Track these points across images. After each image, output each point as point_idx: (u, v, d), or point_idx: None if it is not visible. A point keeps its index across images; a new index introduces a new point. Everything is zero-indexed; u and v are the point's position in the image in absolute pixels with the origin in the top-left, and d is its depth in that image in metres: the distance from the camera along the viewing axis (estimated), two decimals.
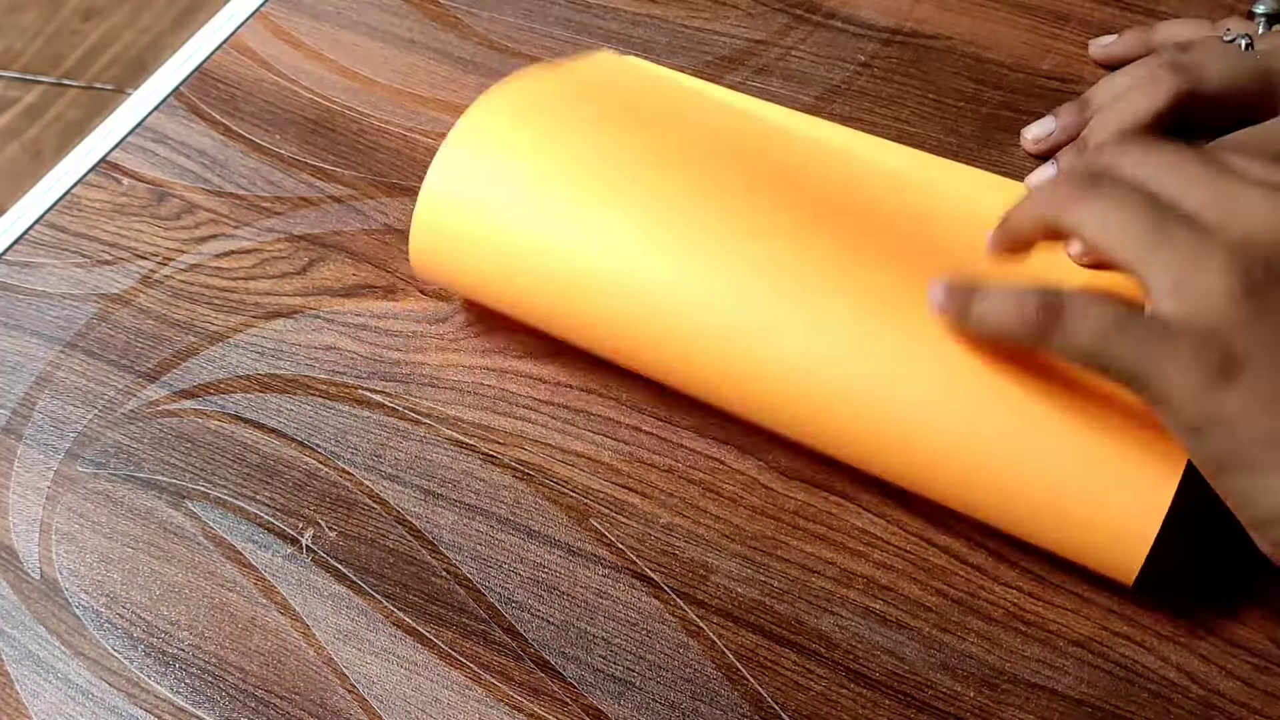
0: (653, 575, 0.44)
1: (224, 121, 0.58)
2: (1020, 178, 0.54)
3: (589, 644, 0.43)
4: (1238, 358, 0.37)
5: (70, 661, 0.43)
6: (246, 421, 0.49)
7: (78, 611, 0.45)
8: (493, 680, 0.42)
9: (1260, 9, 0.54)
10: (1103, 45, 0.58)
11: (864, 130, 0.56)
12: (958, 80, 0.58)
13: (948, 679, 0.42)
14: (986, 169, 0.54)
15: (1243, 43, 0.50)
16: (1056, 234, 0.43)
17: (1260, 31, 0.53)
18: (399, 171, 0.56)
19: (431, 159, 0.56)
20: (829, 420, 0.45)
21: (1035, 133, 0.54)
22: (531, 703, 0.42)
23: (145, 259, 0.54)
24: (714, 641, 0.43)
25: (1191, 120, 0.50)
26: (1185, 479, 0.41)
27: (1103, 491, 0.42)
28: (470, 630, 0.44)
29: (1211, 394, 0.37)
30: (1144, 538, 0.42)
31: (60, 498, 0.47)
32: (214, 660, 0.43)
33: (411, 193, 0.55)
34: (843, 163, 0.54)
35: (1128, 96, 0.51)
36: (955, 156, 0.55)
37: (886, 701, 0.42)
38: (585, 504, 0.46)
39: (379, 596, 0.44)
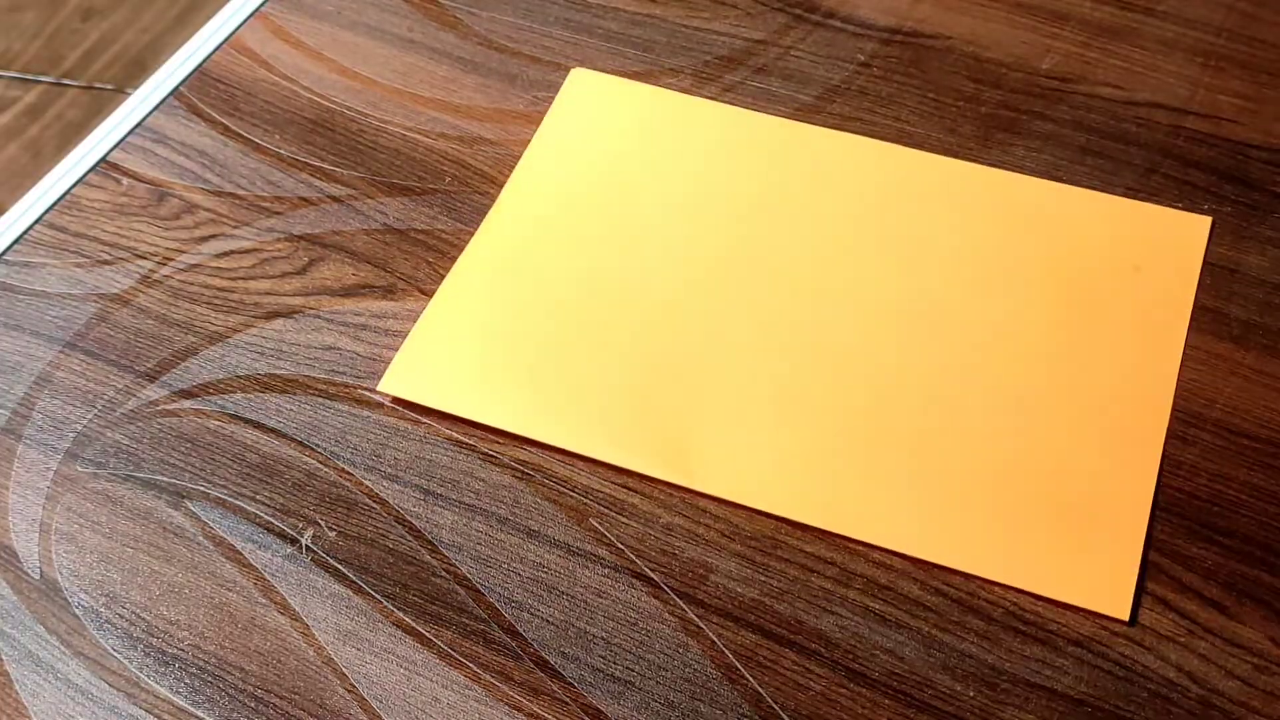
0: (652, 575, 0.44)
1: (223, 121, 0.58)
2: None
3: (588, 644, 0.43)
4: None
5: (70, 661, 0.43)
6: (246, 421, 0.49)
7: (77, 611, 0.45)
8: (492, 680, 0.42)
9: None
10: None
11: (863, 130, 0.56)
12: (957, 80, 0.58)
13: (947, 678, 0.42)
14: (990, 169, 0.54)
15: None
16: None
17: None
18: (398, 171, 0.56)
19: (431, 159, 0.57)
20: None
21: None
22: (531, 702, 0.42)
23: (145, 259, 0.54)
24: (713, 641, 0.43)
25: None
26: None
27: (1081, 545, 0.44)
28: (470, 630, 0.44)
29: None
30: (1128, 578, 0.43)
31: (60, 498, 0.47)
32: (214, 660, 0.43)
33: (410, 192, 0.55)
34: (833, 184, 0.54)
35: None
36: (955, 156, 0.55)
37: (886, 701, 0.42)
38: (585, 504, 0.46)
39: (379, 596, 0.44)
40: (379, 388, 0.49)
